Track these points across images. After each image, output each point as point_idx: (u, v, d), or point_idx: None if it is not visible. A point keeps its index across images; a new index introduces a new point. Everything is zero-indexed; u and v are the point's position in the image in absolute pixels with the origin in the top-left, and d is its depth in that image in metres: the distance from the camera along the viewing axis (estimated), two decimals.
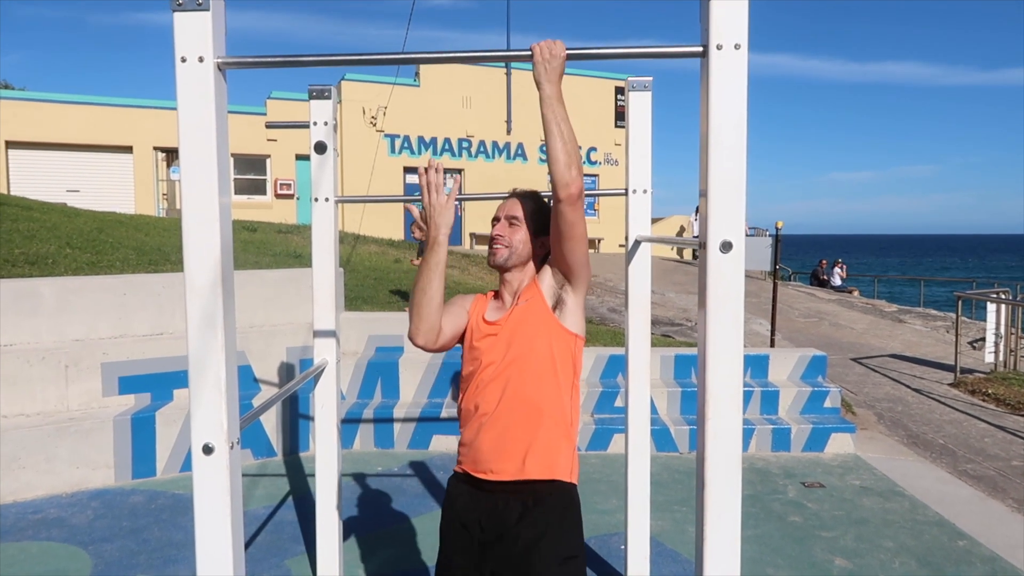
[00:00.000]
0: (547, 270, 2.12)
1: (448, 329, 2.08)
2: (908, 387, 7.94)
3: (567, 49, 1.84)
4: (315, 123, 3.08)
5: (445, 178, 2.00)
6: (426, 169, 1.97)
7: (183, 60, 1.59)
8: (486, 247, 2.21)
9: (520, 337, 2.04)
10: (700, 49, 1.63)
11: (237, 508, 1.74)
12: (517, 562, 1.96)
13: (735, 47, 1.59)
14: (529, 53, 1.83)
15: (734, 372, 1.66)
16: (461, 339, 2.17)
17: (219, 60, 1.62)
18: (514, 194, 2.22)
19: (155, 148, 20.01)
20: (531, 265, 2.14)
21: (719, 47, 1.59)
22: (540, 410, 2.02)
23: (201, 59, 1.59)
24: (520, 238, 2.12)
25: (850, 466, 5.12)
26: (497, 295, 2.19)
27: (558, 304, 2.07)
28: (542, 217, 2.13)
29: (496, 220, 2.18)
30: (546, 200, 2.22)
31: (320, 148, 3.09)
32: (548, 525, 1.98)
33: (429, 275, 1.97)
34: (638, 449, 3.18)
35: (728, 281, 1.65)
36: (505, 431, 2.01)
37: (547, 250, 2.12)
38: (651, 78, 3.06)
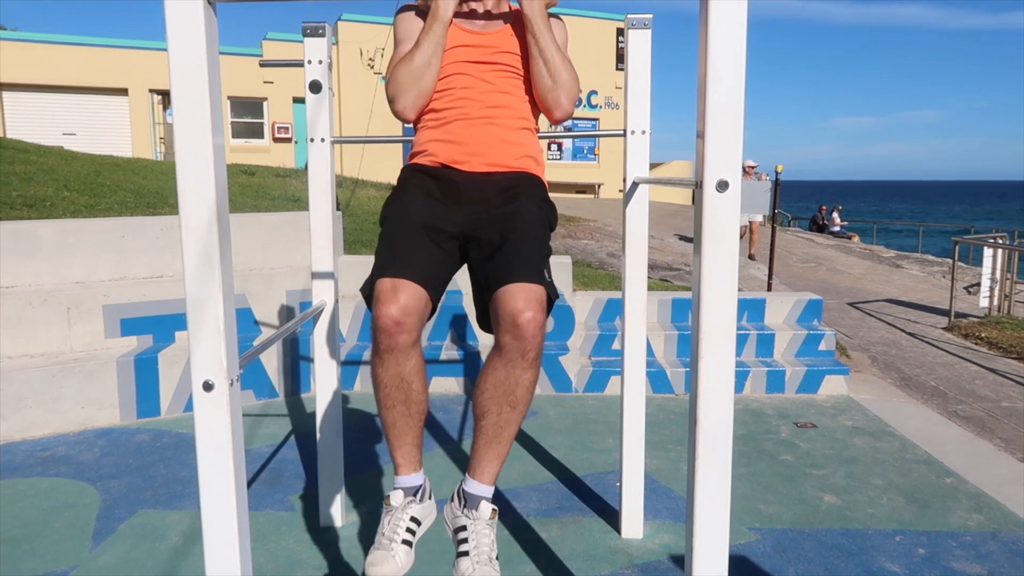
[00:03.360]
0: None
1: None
2: (903, 331, 8.00)
3: None
4: (309, 61, 3.04)
5: None
6: None
7: None
8: None
9: (508, 49, 2.00)
10: None
11: (239, 444, 1.78)
12: (496, 206, 1.91)
13: None
14: None
15: (728, 312, 1.68)
16: None
17: None
18: None
19: (151, 91, 19.75)
20: None
21: None
22: (520, 114, 2.02)
23: None
24: None
25: (843, 407, 5.20)
26: (459, 12, 2.04)
27: None
28: None
29: None
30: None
31: (315, 87, 3.06)
32: (528, 190, 1.97)
33: (429, 49, 1.89)
34: (634, 390, 3.23)
35: (723, 221, 1.65)
36: (490, 126, 1.95)
37: None
38: (651, 15, 3.00)
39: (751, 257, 11.93)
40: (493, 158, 1.96)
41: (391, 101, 1.97)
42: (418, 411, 1.92)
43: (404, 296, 1.73)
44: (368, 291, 1.83)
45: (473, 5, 2.05)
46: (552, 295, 1.88)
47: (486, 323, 1.97)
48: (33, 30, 19.16)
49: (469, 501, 1.84)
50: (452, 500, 1.91)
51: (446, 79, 1.98)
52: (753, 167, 12.31)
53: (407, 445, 1.92)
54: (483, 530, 1.80)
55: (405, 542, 1.81)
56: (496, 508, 1.86)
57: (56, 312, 4.81)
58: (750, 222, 12.19)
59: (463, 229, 1.90)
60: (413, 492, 1.89)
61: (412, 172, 2.01)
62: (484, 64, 1.98)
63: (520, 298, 1.75)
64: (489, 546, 1.80)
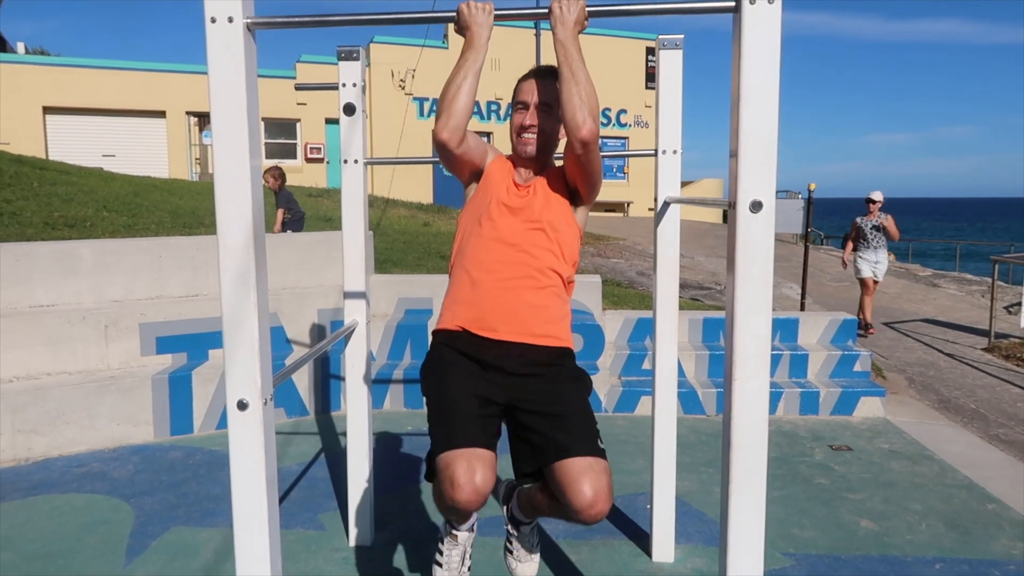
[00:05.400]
0: (563, 172, 2.14)
1: (473, 145, 2.06)
2: (940, 352, 7.83)
3: (595, 6, 1.83)
4: (344, 85, 3.08)
5: None
6: None
7: (213, 20, 1.60)
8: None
9: (543, 210, 2.06)
10: (733, 4, 1.60)
11: (271, 462, 1.80)
12: (530, 386, 1.99)
13: (769, 0, 1.56)
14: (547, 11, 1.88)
15: (762, 334, 1.66)
16: (474, 178, 2.15)
17: (248, 20, 1.63)
18: (540, 73, 2.09)
19: (187, 113, 20.19)
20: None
21: (752, 0, 1.56)
22: (553, 281, 2.06)
23: (231, 19, 1.60)
24: (552, 126, 2.05)
25: (879, 430, 5.09)
26: (514, 163, 2.15)
27: (571, 200, 2.13)
28: None
29: (522, 105, 2.07)
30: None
31: (349, 110, 3.10)
32: (559, 366, 2.05)
33: (464, 73, 1.94)
34: (665, 411, 3.20)
35: (757, 242, 1.63)
36: (518, 296, 2.01)
37: None
38: (682, 36, 3.00)
39: (866, 327, 8.51)
40: (519, 326, 2.00)
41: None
42: None
43: (478, 473, 1.80)
44: (431, 466, 1.97)
45: (526, 160, 2.13)
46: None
47: (522, 473, 2.09)
48: (75, 55, 19.73)
49: (513, 522, 2.28)
50: (505, 506, 2.31)
51: (479, 231, 2.06)
52: (877, 203, 8.76)
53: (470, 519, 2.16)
54: (525, 533, 2.27)
55: (470, 568, 2.20)
56: (534, 525, 2.29)
57: (94, 330, 4.90)
58: (866, 279, 8.71)
59: (507, 399, 1.98)
60: (472, 528, 2.17)
61: (443, 348, 2.07)
62: (519, 227, 2.04)
63: (587, 483, 1.81)
64: (529, 543, 2.28)
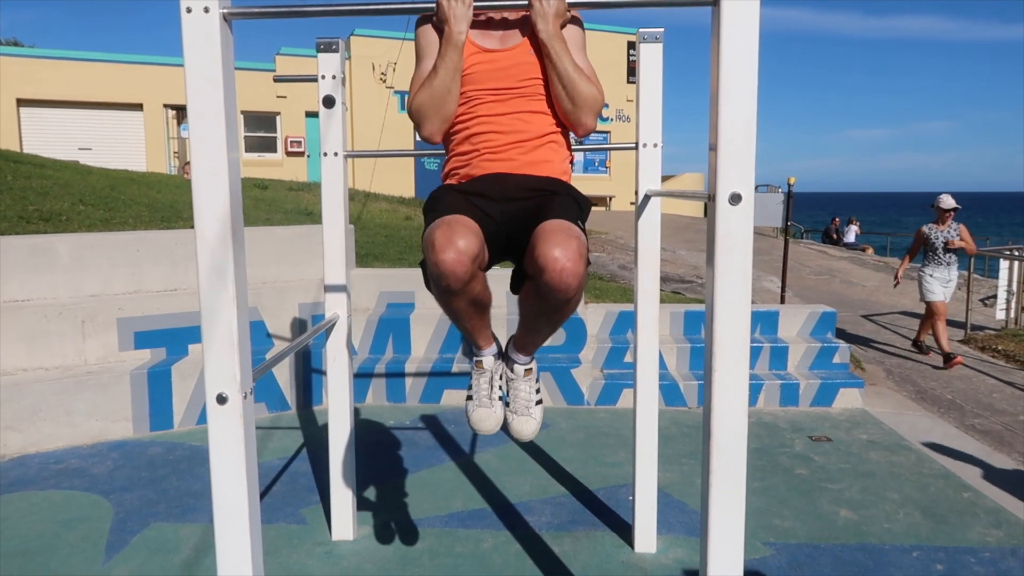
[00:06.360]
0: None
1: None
2: None
3: None
4: (323, 76, 3.06)
5: None
6: None
7: (188, 11, 1.58)
8: None
9: (520, 70, 1.99)
10: None
11: (252, 456, 1.79)
12: (530, 200, 1.95)
13: None
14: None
15: (741, 325, 1.67)
16: None
17: (225, 11, 1.61)
18: None
19: (165, 105, 19.95)
20: None
21: None
22: (547, 140, 2.03)
23: (207, 9, 1.58)
24: None
25: (857, 421, 5.15)
26: (481, 25, 2.03)
27: None
28: None
29: None
30: None
31: (328, 102, 3.08)
32: (560, 188, 2.00)
33: (450, 73, 1.92)
34: (646, 403, 3.21)
35: (736, 235, 1.65)
36: (513, 159, 1.99)
37: None
38: (663, 29, 3.01)
39: (947, 357, 6.91)
40: (518, 170, 2.01)
41: (417, 126, 2.02)
42: (488, 307, 2.06)
43: (461, 238, 1.73)
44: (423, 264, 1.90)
45: (490, 15, 2.04)
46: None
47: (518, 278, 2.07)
48: (50, 46, 19.42)
49: (508, 363, 2.19)
50: (499, 357, 2.20)
51: (467, 109, 2.01)
52: (949, 211, 7.21)
53: (486, 330, 2.12)
54: (520, 385, 2.16)
55: (501, 399, 2.16)
56: (530, 368, 2.17)
57: (71, 325, 4.84)
58: (938, 303, 7.08)
59: (501, 217, 1.94)
60: (497, 355, 2.17)
61: (447, 189, 2.05)
62: (504, 91, 1.99)
63: (557, 243, 1.72)
64: (525, 398, 2.15)
